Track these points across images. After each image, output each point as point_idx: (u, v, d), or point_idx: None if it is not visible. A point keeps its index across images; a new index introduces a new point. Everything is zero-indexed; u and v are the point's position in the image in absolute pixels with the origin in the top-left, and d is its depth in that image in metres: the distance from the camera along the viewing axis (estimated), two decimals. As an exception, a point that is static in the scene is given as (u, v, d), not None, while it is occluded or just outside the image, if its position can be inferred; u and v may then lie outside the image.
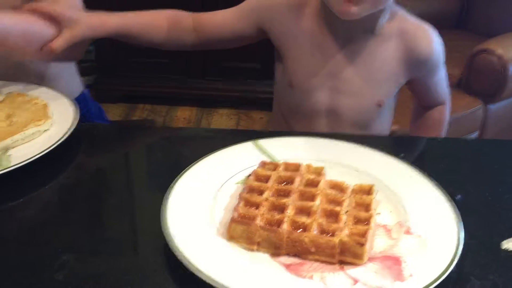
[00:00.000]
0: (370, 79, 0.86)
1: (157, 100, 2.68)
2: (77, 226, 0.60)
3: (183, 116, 2.63)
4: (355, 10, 0.76)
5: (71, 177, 0.70)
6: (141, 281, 0.51)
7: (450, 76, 2.07)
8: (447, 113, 0.97)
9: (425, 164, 0.71)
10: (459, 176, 0.70)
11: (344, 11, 0.76)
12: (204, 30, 0.92)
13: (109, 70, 2.65)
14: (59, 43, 0.78)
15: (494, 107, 1.95)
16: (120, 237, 0.59)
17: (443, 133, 0.97)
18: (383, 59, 0.85)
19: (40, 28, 0.77)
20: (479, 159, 0.76)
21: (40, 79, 1.02)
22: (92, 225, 0.62)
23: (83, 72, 2.81)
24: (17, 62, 1.01)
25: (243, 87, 2.58)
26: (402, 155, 0.70)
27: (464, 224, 0.56)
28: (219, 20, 0.92)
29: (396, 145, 0.80)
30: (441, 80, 0.93)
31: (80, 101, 1.11)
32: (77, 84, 1.14)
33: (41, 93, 0.82)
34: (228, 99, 2.63)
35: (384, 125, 0.92)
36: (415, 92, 0.95)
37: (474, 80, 1.95)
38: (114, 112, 2.62)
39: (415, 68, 0.87)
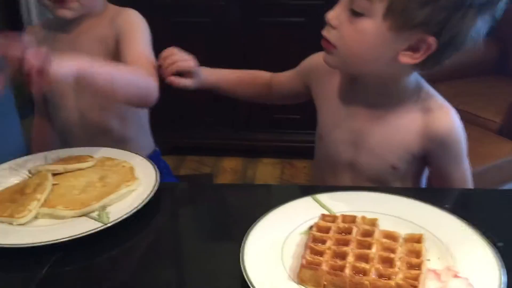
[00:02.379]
0: (385, 142, 0.93)
1: (204, 151, 2.82)
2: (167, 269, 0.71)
3: (229, 167, 2.75)
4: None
5: (157, 229, 0.82)
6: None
7: (491, 123, 2.11)
8: None
9: (467, 213, 0.78)
10: (500, 225, 0.77)
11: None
12: (273, 87, 1.13)
13: (158, 123, 2.83)
14: (187, 84, 1.07)
15: (535, 153, 1.96)
16: (202, 282, 0.70)
17: None
18: (399, 126, 0.92)
19: None
20: (500, 209, 0.83)
21: (120, 140, 1.18)
22: (177, 271, 0.73)
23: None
24: (100, 126, 1.18)
25: (285, 137, 2.70)
26: (446, 206, 0.79)
27: (506, 268, 0.64)
28: (282, 79, 1.13)
29: (439, 196, 0.88)
30: (463, 174, 0.95)
31: (152, 158, 1.26)
32: (149, 143, 1.29)
33: (126, 156, 0.95)
34: (272, 149, 2.75)
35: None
36: (434, 177, 0.98)
37: (515, 126, 1.98)
38: (163, 165, 2.77)
39: (430, 142, 0.91)
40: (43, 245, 0.71)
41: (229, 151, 2.79)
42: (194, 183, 1.50)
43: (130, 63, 1.05)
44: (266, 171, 2.66)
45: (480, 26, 0.82)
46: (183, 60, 1.05)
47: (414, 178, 0.98)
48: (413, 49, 0.83)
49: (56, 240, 0.72)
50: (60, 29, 1.16)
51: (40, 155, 0.98)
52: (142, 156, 0.96)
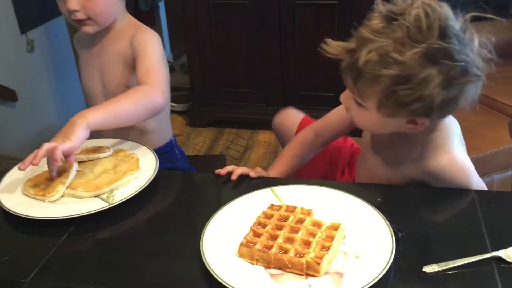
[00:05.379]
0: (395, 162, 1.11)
1: (241, 125, 3.08)
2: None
3: (263, 140, 2.99)
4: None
5: (152, 208, 1.06)
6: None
7: (507, 107, 2.13)
8: None
9: (389, 207, 0.96)
10: (408, 218, 0.96)
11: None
12: (324, 134, 1.29)
13: (201, 99, 3.10)
14: None
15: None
16: (172, 249, 0.93)
17: None
18: (401, 156, 1.10)
19: None
20: (420, 205, 1.01)
21: (144, 132, 1.41)
22: (156, 241, 0.97)
23: (180, 100, 3.35)
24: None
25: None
26: (379, 199, 0.97)
27: (398, 253, 0.83)
28: (335, 119, 1.26)
29: (375, 191, 1.04)
30: None
31: (168, 146, 1.49)
32: (168, 133, 1.52)
33: (135, 149, 1.20)
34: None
35: None
36: None
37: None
38: (205, 136, 3.07)
39: (425, 175, 1.05)
40: (62, 219, 0.97)
41: (263, 125, 2.99)
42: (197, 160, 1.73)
43: (141, 78, 1.24)
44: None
45: (471, 89, 0.93)
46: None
47: None
48: (412, 122, 0.97)
49: (73, 215, 0.98)
50: (90, 41, 1.41)
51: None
52: (149, 149, 1.19)
